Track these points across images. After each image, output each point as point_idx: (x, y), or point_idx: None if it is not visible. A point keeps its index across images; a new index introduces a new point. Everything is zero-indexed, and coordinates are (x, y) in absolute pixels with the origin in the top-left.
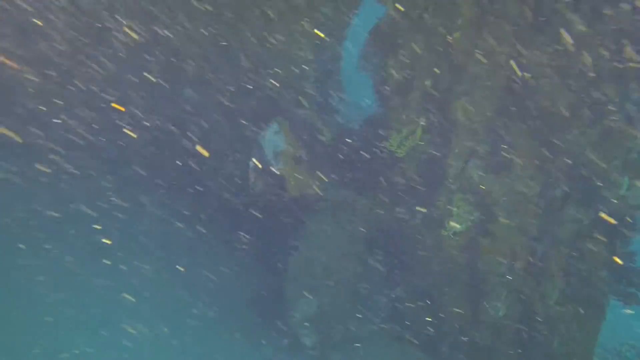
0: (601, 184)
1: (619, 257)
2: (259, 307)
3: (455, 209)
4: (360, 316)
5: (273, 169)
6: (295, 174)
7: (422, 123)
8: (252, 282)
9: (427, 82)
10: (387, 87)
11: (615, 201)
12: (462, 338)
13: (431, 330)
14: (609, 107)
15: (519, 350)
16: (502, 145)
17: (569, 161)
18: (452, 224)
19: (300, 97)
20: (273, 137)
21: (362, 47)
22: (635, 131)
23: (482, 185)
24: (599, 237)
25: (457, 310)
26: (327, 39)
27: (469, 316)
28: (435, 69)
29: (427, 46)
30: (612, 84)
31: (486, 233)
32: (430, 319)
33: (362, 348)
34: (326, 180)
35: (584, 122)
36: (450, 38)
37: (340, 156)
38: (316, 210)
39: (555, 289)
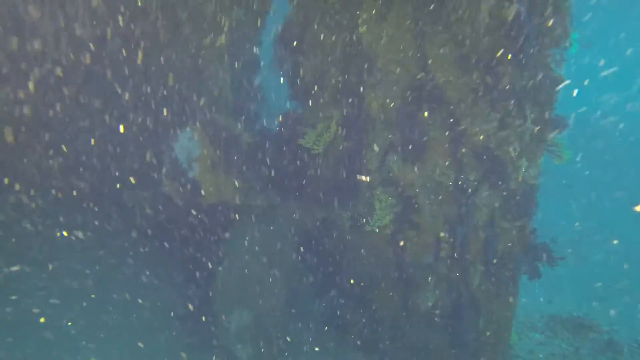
0: (506, 167)
1: (526, 234)
2: (187, 323)
3: (377, 203)
4: (296, 323)
5: (188, 176)
6: (213, 180)
7: (336, 117)
8: (178, 298)
9: (339, 77)
10: (300, 85)
11: (519, 181)
12: (397, 332)
13: (368, 329)
14: (502, 94)
15: (450, 335)
16: (417, 136)
17: (477, 147)
18: (376, 218)
19: (215, 102)
20: (187, 144)
21: (274, 47)
22: (524, 114)
23: (402, 177)
24: (509, 216)
25: (390, 305)
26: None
27: (401, 310)
28: (346, 63)
29: (336, 41)
30: (502, 72)
31: (411, 224)
32: (365, 318)
33: (301, 356)
34: (246, 185)
35: (484, 110)
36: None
37: (260, 159)
38: (239, 216)
39: (476, 272)
